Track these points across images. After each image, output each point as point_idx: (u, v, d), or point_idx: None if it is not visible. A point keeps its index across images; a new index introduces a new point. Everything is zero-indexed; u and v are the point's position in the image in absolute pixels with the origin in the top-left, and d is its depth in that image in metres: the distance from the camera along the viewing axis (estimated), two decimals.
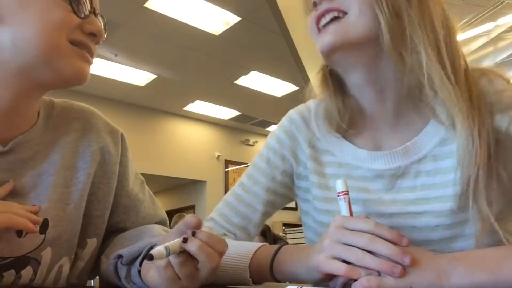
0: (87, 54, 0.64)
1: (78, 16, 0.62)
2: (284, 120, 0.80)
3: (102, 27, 0.68)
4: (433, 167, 0.64)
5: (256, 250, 0.66)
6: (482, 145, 0.57)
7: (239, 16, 4.44)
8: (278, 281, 0.63)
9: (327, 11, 0.61)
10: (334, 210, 0.69)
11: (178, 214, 4.53)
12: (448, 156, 0.63)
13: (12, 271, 0.58)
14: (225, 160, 7.90)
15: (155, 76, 5.89)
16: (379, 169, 0.67)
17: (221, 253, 0.51)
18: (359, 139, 0.71)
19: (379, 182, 0.67)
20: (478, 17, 3.61)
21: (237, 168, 8.04)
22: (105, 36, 0.69)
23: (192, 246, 0.48)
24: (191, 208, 7.91)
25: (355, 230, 0.51)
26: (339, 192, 0.57)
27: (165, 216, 0.84)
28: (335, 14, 0.61)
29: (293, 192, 0.79)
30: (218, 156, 7.80)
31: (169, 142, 7.19)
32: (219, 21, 4.55)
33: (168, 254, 0.47)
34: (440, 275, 0.47)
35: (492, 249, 0.52)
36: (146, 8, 4.22)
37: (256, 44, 5.03)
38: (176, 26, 4.55)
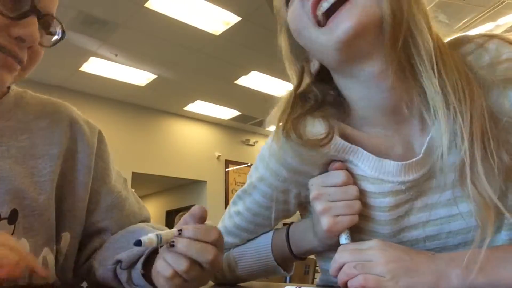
0: (10, 58, 0.56)
1: (6, 16, 0.54)
2: (280, 152, 0.62)
3: (58, 30, 0.62)
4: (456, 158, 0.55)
5: (272, 246, 0.70)
6: (474, 124, 0.51)
7: (239, 16, 4.44)
8: (302, 259, 0.70)
9: None
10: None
11: (181, 213, 4.52)
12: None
13: None
14: (225, 160, 7.90)
15: (155, 76, 5.89)
16: (414, 179, 0.57)
17: (213, 242, 0.51)
18: (381, 149, 0.60)
19: (411, 192, 0.58)
20: (478, 17, 3.61)
21: (237, 168, 8.04)
22: (60, 37, 0.62)
23: (181, 247, 0.49)
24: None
25: (334, 186, 0.57)
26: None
27: (149, 215, 0.81)
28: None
29: (303, 209, 0.73)
30: (219, 156, 7.80)
31: (169, 142, 7.19)
32: (219, 21, 4.55)
33: (160, 241, 0.47)
34: (439, 278, 0.47)
35: (490, 250, 0.51)
36: (146, 8, 4.22)
37: (256, 44, 5.03)
38: (176, 26, 4.55)
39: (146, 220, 0.80)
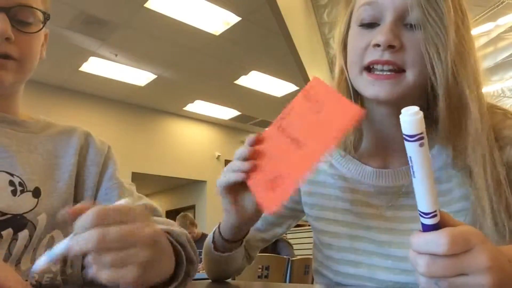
0: None
1: None
2: None
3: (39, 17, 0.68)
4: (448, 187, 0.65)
5: (213, 234, 0.74)
6: (492, 184, 0.58)
7: (239, 16, 4.44)
8: (234, 242, 0.72)
9: (389, 63, 0.60)
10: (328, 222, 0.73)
11: (182, 214, 4.49)
12: (448, 179, 0.65)
13: (10, 230, 0.63)
14: (225, 160, 7.89)
15: (155, 76, 5.89)
16: (382, 186, 0.69)
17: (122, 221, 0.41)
18: (365, 155, 0.72)
19: (381, 198, 0.69)
20: (478, 17, 3.61)
21: None
22: (43, 23, 0.70)
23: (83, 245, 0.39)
24: (191, 208, 7.92)
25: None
26: (410, 135, 0.38)
27: (153, 204, 0.79)
28: (391, 68, 0.60)
29: (300, 210, 0.80)
30: (218, 156, 7.81)
31: (169, 142, 7.19)
32: (219, 21, 4.55)
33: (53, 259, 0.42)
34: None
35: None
36: (146, 8, 4.22)
37: (256, 44, 5.03)
38: (176, 26, 4.56)
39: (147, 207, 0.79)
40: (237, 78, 6.03)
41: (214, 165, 7.77)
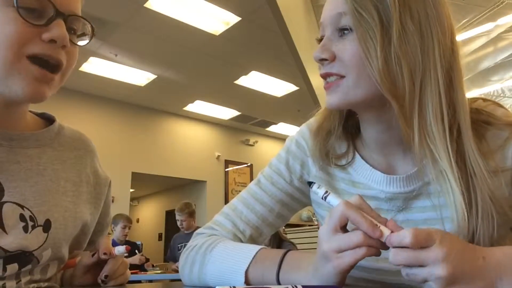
0: (48, 72, 0.62)
1: (35, 25, 0.59)
2: (304, 126, 0.80)
3: (87, 28, 0.67)
4: (443, 187, 0.62)
5: (255, 254, 0.63)
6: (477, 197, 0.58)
7: (239, 16, 4.44)
8: None
9: (328, 74, 0.63)
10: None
11: (185, 201, 4.48)
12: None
13: (15, 266, 0.62)
14: (225, 160, 7.90)
15: (155, 76, 5.89)
16: (394, 192, 0.67)
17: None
18: (373, 159, 0.71)
19: (392, 203, 0.68)
20: (478, 17, 3.61)
21: (237, 168, 8.04)
22: (91, 35, 0.68)
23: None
24: None
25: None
26: (323, 197, 0.54)
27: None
28: (335, 77, 0.63)
29: (309, 198, 0.79)
30: (218, 156, 7.80)
31: (169, 142, 7.19)
32: (219, 21, 4.55)
33: None
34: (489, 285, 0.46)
35: None
36: (146, 8, 4.22)
37: (256, 44, 5.03)
38: (176, 26, 4.56)
39: None
40: (237, 78, 6.03)
41: (214, 165, 7.76)
